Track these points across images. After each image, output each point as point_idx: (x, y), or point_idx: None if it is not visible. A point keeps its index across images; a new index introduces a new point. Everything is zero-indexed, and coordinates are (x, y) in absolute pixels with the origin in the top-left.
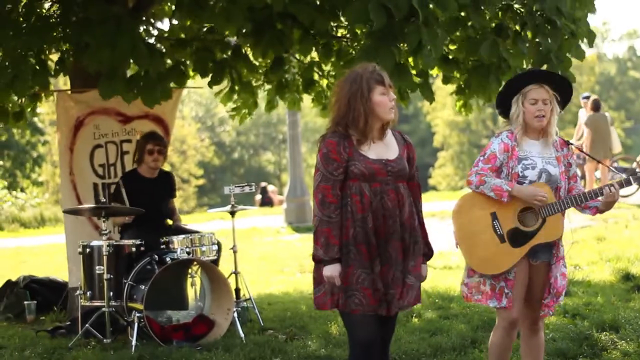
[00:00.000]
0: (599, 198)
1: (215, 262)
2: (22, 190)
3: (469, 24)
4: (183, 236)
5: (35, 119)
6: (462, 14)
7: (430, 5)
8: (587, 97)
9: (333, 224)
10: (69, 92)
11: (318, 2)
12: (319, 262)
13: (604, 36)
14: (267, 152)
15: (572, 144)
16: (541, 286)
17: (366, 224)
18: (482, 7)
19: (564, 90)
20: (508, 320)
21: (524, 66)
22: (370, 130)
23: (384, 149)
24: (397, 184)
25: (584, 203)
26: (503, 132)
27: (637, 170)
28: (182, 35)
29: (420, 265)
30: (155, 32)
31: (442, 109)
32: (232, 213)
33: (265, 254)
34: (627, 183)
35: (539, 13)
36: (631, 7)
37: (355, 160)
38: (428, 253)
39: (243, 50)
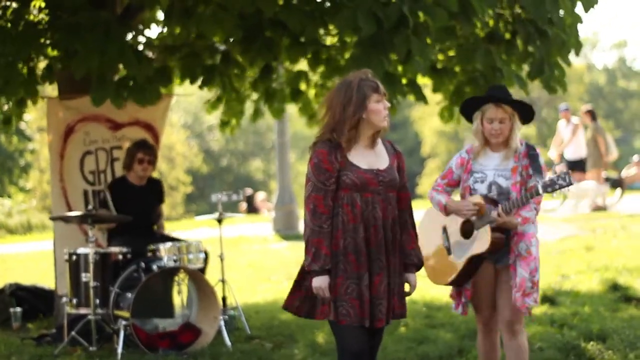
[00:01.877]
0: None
1: (202, 270)
2: (9, 196)
3: (459, 33)
4: (170, 244)
5: (23, 125)
6: (453, 22)
7: (420, 14)
8: (567, 109)
9: (324, 234)
10: (59, 98)
11: (308, 9)
12: (309, 272)
13: (594, 46)
14: (256, 159)
15: (533, 155)
16: (507, 289)
17: (357, 234)
18: (472, 17)
19: (525, 108)
20: (481, 324)
21: (519, 74)
22: (359, 137)
23: (375, 159)
24: (388, 194)
25: (508, 212)
26: (466, 146)
27: (548, 180)
28: (171, 42)
29: (407, 275)
30: (143, 40)
31: (430, 117)
32: (220, 220)
33: (253, 262)
34: (537, 192)
35: (528, 21)
36: (620, 17)
37: (347, 170)
38: (418, 263)
39: (232, 57)
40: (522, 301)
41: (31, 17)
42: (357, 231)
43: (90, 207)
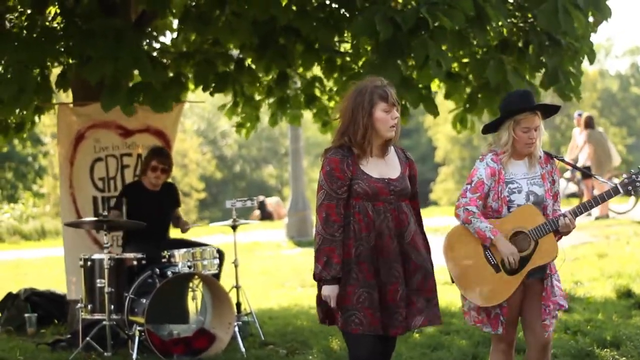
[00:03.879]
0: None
1: (217, 276)
2: (22, 203)
3: (474, 42)
4: (185, 250)
5: (37, 130)
6: (468, 29)
7: (439, 15)
8: (581, 115)
9: (336, 242)
10: (71, 105)
11: (322, 16)
12: (320, 281)
13: (607, 52)
14: (269, 165)
15: (556, 156)
16: (538, 304)
17: (370, 243)
18: (487, 25)
19: (549, 111)
20: (505, 343)
21: (531, 82)
22: (369, 146)
23: (386, 167)
24: (400, 203)
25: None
26: (487, 155)
27: (626, 178)
28: (185, 49)
29: (433, 285)
30: (157, 46)
31: (444, 123)
32: (234, 227)
33: (267, 268)
34: (616, 192)
35: (541, 30)
36: (634, 23)
37: (358, 179)
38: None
39: (246, 63)
40: (552, 318)
41: (46, 24)
42: (369, 240)
43: (104, 213)
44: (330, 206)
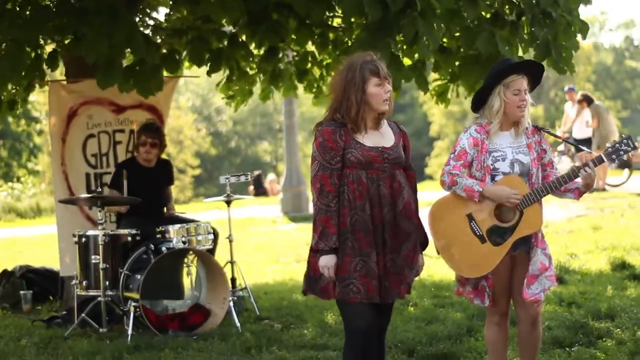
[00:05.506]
0: (577, 180)
1: (212, 251)
2: (18, 180)
3: (465, 16)
4: (179, 226)
5: (30, 107)
6: (459, 4)
7: None
8: (572, 89)
9: (332, 212)
10: (64, 82)
11: None
12: (317, 251)
13: (602, 26)
14: (263, 141)
15: (543, 128)
16: (523, 276)
17: (364, 212)
18: (478, 2)
19: (535, 76)
20: (497, 315)
21: (522, 57)
22: (363, 121)
23: (380, 138)
24: (394, 171)
25: (559, 188)
26: (472, 126)
27: (610, 147)
28: (179, 25)
29: (417, 254)
30: (151, 23)
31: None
32: (228, 202)
33: (261, 243)
34: (600, 161)
35: (534, 2)
36: None
37: (351, 148)
38: (424, 242)
39: (240, 39)
40: (544, 283)
41: (39, 2)
42: (364, 208)
43: (99, 189)
44: (325, 177)
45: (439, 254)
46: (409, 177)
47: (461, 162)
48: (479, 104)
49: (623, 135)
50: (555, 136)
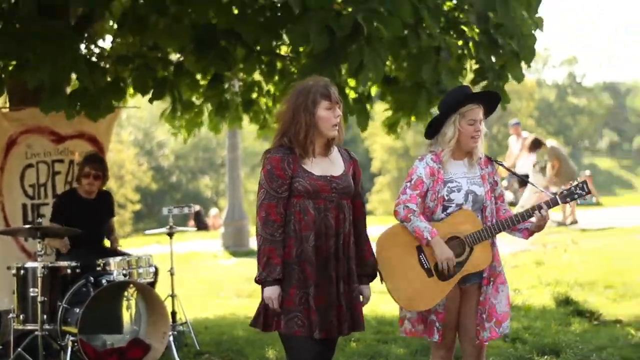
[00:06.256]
0: (531, 220)
1: (152, 284)
2: None
3: (415, 48)
4: (120, 258)
5: None
6: (405, 32)
7: (375, 23)
8: (517, 124)
9: (276, 242)
10: (5, 110)
11: (262, 20)
12: (260, 283)
13: (545, 62)
14: (205, 176)
15: (496, 160)
16: (474, 310)
17: (310, 243)
18: (426, 28)
19: (490, 106)
20: (444, 349)
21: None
22: (312, 145)
23: (329, 165)
24: (341, 202)
25: (511, 227)
26: (427, 155)
27: (564, 189)
28: (124, 52)
29: (365, 286)
30: (97, 50)
31: (381, 134)
32: (170, 234)
33: (203, 277)
34: (555, 203)
35: (479, 31)
36: (571, 33)
37: (299, 177)
38: (372, 274)
39: (185, 68)
40: (497, 331)
41: None
42: (310, 239)
43: (39, 220)
44: (270, 205)
45: (382, 281)
46: (358, 205)
47: (417, 191)
48: (433, 132)
49: (578, 180)
50: (509, 170)
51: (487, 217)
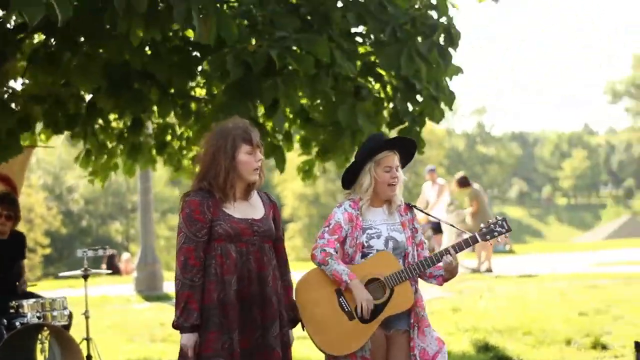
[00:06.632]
0: (440, 264)
1: (67, 327)
2: None
3: (329, 86)
4: (34, 300)
5: None
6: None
7: (287, 58)
8: (433, 170)
9: (195, 288)
10: None
11: (176, 60)
12: (177, 328)
13: (454, 111)
14: (115, 221)
15: (416, 206)
16: (401, 356)
17: (231, 287)
18: (339, 69)
19: (407, 153)
20: None
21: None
22: (232, 189)
23: (250, 208)
24: (263, 245)
25: (427, 270)
26: (345, 202)
27: (484, 227)
28: (36, 92)
29: (286, 332)
30: (9, 91)
31: (292, 180)
32: (85, 277)
33: (116, 321)
34: (474, 240)
35: (395, 76)
36: (480, 83)
37: (220, 220)
38: (294, 318)
39: (98, 106)
40: None
41: None
42: (231, 283)
43: None
44: (190, 249)
45: (304, 328)
46: (278, 249)
47: (336, 236)
48: (349, 181)
49: (498, 217)
50: (429, 215)
51: (409, 262)
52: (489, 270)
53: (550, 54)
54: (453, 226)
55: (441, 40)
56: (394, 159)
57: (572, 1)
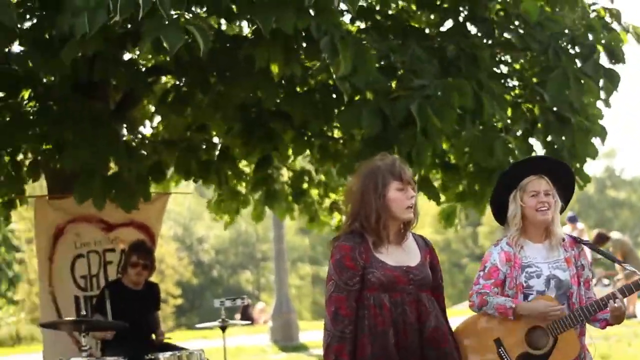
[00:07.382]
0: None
1: None
2: None
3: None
4: (170, 353)
5: (10, 235)
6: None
7: (429, 114)
8: (574, 219)
9: (346, 339)
10: (47, 197)
11: (312, 101)
12: None
13: None
14: (245, 271)
15: (586, 242)
16: None
17: (387, 340)
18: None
19: (565, 183)
20: None
21: None
22: (385, 230)
23: (404, 255)
24: (420, 294)
25: (594, 314)
26: (502, 240)
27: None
28: (167, 136)
29: None
30: (139, 136)
31: (422, 227)
32: (223, 328)
33: None
34: (630, 291)
35: (549, 109)
36: (609, 126)
37: (372, 268)
38: None
39: (230, 152)
40: None
41: (18, 108)
42: (387, 336)
43: (83, 312)
44: (340, 299)
45: None
46: (438, 298)
47: (492, 280)
48: (500, 213)
49: None
50: (598, 251)
51: (573, 303)
52: (634, 316)
53: None
54: (620, 263)
55: (602, 60)
56: (541, 182)
57: None
